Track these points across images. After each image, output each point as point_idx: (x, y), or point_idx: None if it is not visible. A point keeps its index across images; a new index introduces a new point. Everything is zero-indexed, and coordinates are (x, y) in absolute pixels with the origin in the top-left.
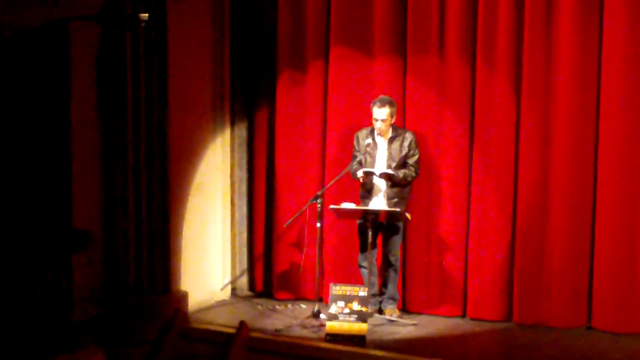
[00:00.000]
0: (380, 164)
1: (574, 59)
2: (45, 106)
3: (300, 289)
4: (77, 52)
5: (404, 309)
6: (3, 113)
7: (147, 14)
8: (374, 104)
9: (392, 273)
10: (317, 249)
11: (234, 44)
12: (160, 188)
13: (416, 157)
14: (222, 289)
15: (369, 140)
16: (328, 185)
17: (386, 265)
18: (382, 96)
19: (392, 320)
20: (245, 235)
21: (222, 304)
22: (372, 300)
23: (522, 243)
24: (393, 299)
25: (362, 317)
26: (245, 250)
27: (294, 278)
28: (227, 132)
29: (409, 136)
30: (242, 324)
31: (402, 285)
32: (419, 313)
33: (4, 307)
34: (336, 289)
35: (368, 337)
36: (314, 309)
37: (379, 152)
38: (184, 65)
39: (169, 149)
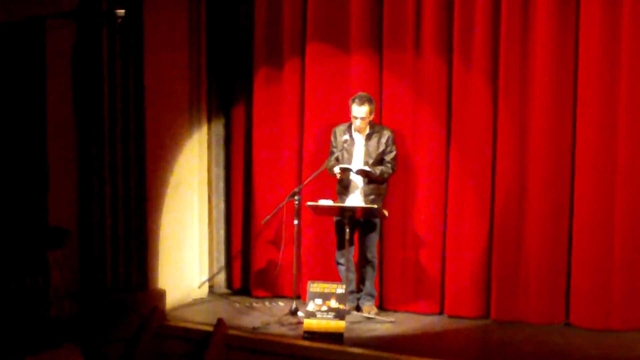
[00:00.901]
0: (358, 160)
1: (551, 55)
2: (21, 103)
3: (278, 287)
4: (53, 49)
5: (381, 307)
6: None
7: (123, 10)
8: (353, 101)
9: (369, 270)
10: (294, 246)
11: (211, 41)
12: (137, 185)
13: (393, 154)
14: (199, 287)
15: (347, 137)
16: (305, 182)
17: (363, 262)
18: (361, 93)
19: (369, 318)
20: (222, 232)
21: (199, 301)
22: (350, 297)
23: (500, 239)
24: (371, 295)
25: (339, 315)
26: (222, 247)
27: (272, 275)
28: (204, 129)
29: (386, 133)
30: (220, 321)
31: (379, 283)
32: (395, 310)
33: None
34: (314, 287)
35: (346, 335)
36: (291, 306)
37: (356, 148)
38: (160, 63)
39: (146, 146)
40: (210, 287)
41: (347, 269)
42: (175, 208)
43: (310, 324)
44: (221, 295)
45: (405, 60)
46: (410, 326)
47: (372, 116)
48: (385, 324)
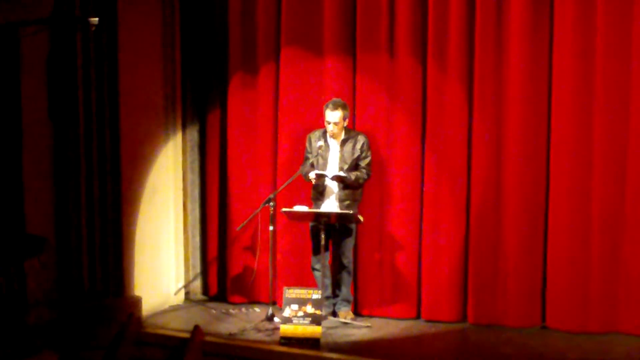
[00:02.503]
0: (332, 166)
1: (526, 57)
2: None
3: (254, 293)
4: (28, 54)
5: (357, 312)
6: None
7: (97, 19)
8: (327, 106)
9: (345, 275)
10: (270, 252)
11: (185, 46)
12: (113, 192)
13: (368, 159)
14: (175, 294)
15: (321, 143)
16: (280, 188)
17: (339, 267)
18: (334, 99)
19: (346, 323)
20: (198, 239)
21: (175, 308)
22: (326, 302)
23: (476, 243)
24: (347, 301)
25: (316, 320)
26: (198, 254)
27: (248, 281)
28: (179, 135)
29: (361, 139)
30: (196, 328)
31: (355, 288)
32: (372, 315)
33: None
34: (290, 292)
35: (322, 340)
36: (267, 312)
37: (331, 154)
38: (135, 68)
39: (121, 153)
40: (187, 294)
41: (323, 275)
42: (150, 214)
43: (286, 329)
44: (197, 301)
45: (379, 63)
46: (387, 331)
47: (346, 122)
48: (362, 329)
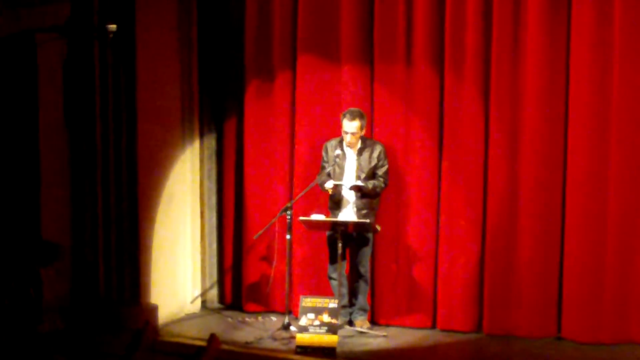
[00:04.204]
0: (350, 175)
1: (542, 66)
2: (13, 117)
3: (270, 301)
4: (44, 62)
5: (373, 321)
6: None
7: (115, 26)
8: (344, 116)
9: (362, 284)
10: (286, 261)
11: (202, 54)
12: (129, 199)
13: (385, 168)
14: (192, 302)
15: (338, 151)
16: (297, 197)
17: (356, 276)
18: (352, 109)
19: (362, 332)
20: (215, 247)
21: (192, 316)
22: (342, 311)
23: (492, 253)
24: (363, 310)
25: (332, 329)
26: (215, 262)
27: (264, 290)
28: (196, 143)
29: (378, 147)
30: (213, 336)
31: (372, 297)
32: (388, 325)
33: None
34: (306, 301)
35: (338, 349)
36: (284, 321)
37: (348, 163)
38: (152, 76)
39: (138, 160)
40: (203, 302)
41: (340, 284)
42: (167, 222)
43: (302, 338)
44: (213, 310)
45: (397, 72)
46: (402, 340)
47: (364, 131)
48: (378, 338)
